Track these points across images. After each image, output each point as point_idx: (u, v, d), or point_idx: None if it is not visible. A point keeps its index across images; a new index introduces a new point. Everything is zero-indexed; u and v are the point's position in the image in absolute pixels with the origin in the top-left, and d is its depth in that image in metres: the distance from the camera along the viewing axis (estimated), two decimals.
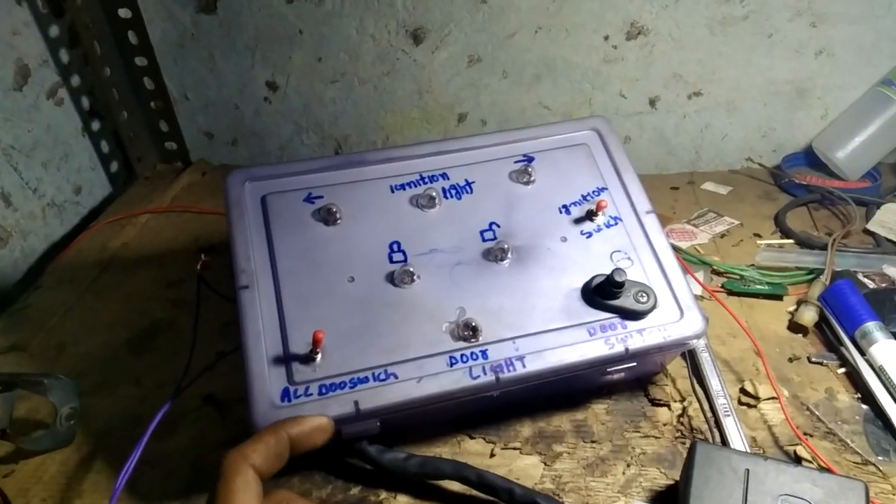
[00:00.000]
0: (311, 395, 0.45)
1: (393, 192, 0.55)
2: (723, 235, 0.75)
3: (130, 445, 0.48)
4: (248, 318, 0.48)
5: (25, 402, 0.56)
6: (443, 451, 0.52)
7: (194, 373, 0.54)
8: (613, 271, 0.49)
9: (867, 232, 0.75)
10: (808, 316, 0.61)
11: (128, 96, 0.89)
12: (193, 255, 0.75)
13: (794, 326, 0.62)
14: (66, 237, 0.85)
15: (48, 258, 0.79)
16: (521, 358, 0.48)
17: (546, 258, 0.53)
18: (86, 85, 0.87)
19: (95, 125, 0.91)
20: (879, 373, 0.55)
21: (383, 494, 0.49)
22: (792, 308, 0.64)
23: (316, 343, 0.46)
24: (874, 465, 0.50)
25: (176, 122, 0.93)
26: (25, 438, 0.52)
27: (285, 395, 0.45)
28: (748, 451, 0.50)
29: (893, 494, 0.48)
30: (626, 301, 0.50)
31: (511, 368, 0.48)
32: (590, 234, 0.54)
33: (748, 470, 0.43)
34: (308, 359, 0.46)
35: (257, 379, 0.46)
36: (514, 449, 0.52)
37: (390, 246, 0.52)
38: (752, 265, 0.69)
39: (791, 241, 0.73)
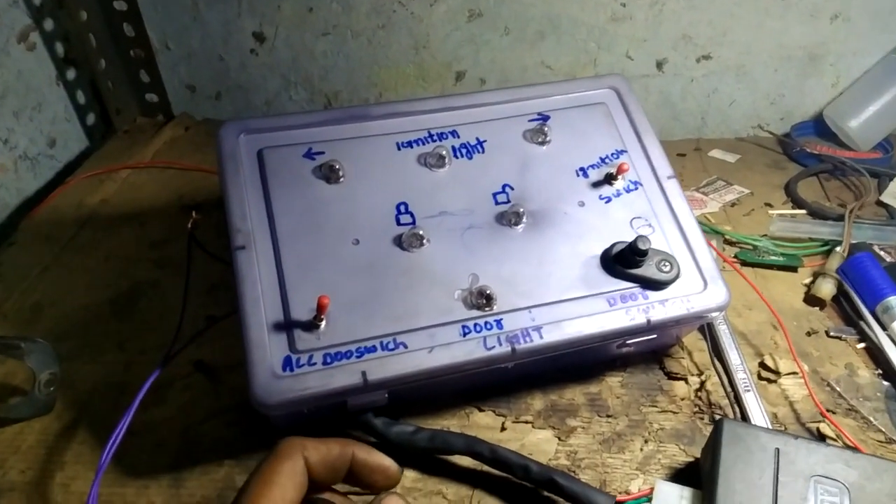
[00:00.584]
0: (316, 364, 0.42)
1: (399, 149, 0.51)
2: (733, 204, 0.73)
3: (115, 414, 0.45)
4: (245, 282, 0.44)
5: (1, 368, 0.52)
6: (451, 423, 0.49)
7: (185, 338, 0.50)
8: (637, 238, 0.46)
9: (880, 204, 0.73)
10: (827, 289, 0.59)
11: (106, 43, 0.83)
12: (177, 213, 0.72)
13: (811, 299, 0.60)
14: (40, 192, 0.80)
15: (21, 214, 0.74)
16: (537, 328, 0.45)
17: (563, 223, 0.50)
18: (60, 29, 0.82)
19: (71, 74, 0.85)
20: None
21: None
22: (807, 280, 0.62)
23: (321, 309, 0.42)
24: None
25: (157, 72, 0.88)
26: (1, 406, 0.49)
27: (287, 364, 0.42)
28: (770, 427, 0.48)
29: None
30: (648, 270, 0.47)
31: (528, 339, 0.45)
32: (609, 199, 0.51)
33: (778, 449, 0.41)
34: (311, 326, 0.43)
35: (257, 347, 0.42)
36: (526, 423, 0.49)
37: (397, 207, 0.49)
38: (766, 235, 0.66)
39: (803, 211, 0.71)
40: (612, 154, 0.53)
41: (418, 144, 0.52)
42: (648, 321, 0.46)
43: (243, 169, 0.48)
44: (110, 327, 0.58)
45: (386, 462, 0.38)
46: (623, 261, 0.47)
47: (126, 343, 0.57)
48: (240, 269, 0.44)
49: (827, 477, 0.40)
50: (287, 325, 0.43)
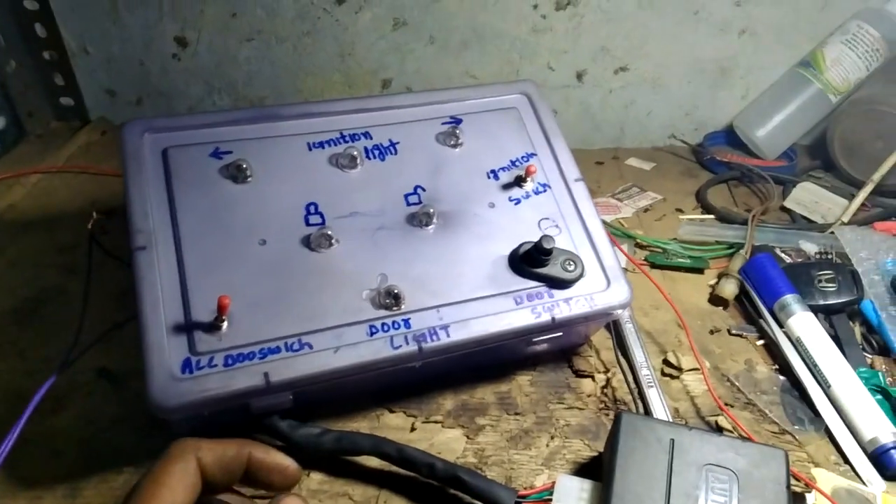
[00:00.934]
0: (216, 366, 0.41)
1: (311, 149, 0.51)
2: (646, 210, 0.75)
3: (11, 424, 0.44)
4: (144, 283, 0.43)
5: None
6: (361, 425, 0.49)
7: (85, 344, 0.49)
8: (542, 238, 0.47)
9: (783, 209, 0.76)
10: (729, 289, 0.61)
11: (16, 43, 0.81)
12: (87, 220, 0.69)
13: (715, 299, 0.62)
14: None
15: None
16: (445, 327, 0.46)
17: (473, 224, 0.50)
18: None
19: None
20: (797, 344, 0.55)
21: None
22: (713, 281, 0.64)
23: (221, 309, 0.42)
24: (791, 434, 0.50)
25: (73, 75, 0.85)
26: None
27: (186, 366, 0.41)
28: (670, 420, 0.49)
29: (809, 462, 0.48)
30: (553, 269, 0.48)
31: (435, 338, 0.45)
32: (518, 201, 0.52)
33: (673, 440, 0.42)
34: (213, 327, 0.42)
35: (155, 349, 0.41)
36: (436, 422, 0.50)
37: (307, 207, 0.49)
38: (675, 239, 0.69)
39: (712, 216, 0.74)
40: (523, 157, 0.54)
41: (330, 145, 0.52)
42: (553, 319, 0.47)
43: (146, 168, 0.47)
44: (11, 335, 0.56)
45: (285, 461, 0.37)
46: (529, 260, 0.48)
47: (27, 351, 0.55)
48: (139, 271, 0.43)
49: (718, 465, 0.41)
50: (187, 327, 0.42)
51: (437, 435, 0.49)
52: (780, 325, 0.57)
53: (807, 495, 0.44)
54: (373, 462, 0.46)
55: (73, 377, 0.51)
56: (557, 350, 0.55)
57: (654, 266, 0.65)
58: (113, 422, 0.49)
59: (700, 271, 0.66)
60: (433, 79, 0.89)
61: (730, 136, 0.89)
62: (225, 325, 0.42)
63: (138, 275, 0.43)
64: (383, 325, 0.45)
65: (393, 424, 0.49)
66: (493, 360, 0.53)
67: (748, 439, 0.46)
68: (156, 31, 0.86)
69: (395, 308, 0.46)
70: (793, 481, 0.41)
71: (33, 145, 0.83)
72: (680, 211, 0.75)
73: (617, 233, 0.68)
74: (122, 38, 0.86)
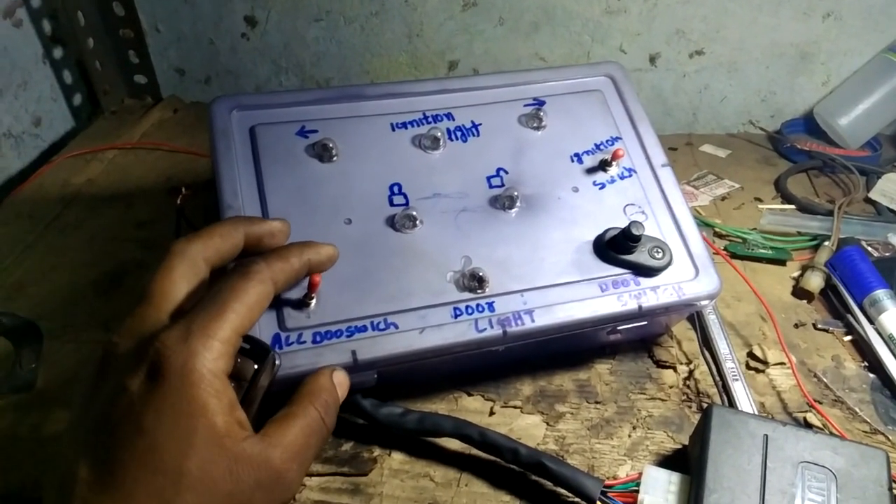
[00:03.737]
0: (305, 342, 0.41)
1: (394, 130, 0.51)
2: (723, 198, 0.73)
3: None
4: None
5: None
6: (439, 407, 0.49)
7: None
8: (631, 224, 0.46)
9: (868, 201, 0.73)
10: (815, 282, 0.59)
11: (95, 22, 0.82)
12: (164, 195, 0.71)
13: (799, 292, 0.60)
14: (23, 171, 0.78)
15: (4, 193, 0.73)
16: (529, 312, 0.45)
17: (556, 208, 0.49)
18: (47, 7, 0.80)
19: (58, 52, 0.83)
20: (888, 341, 0.53)
21: (377, 451, 0.46)
22: (795, 274, 0.62)
23: (312, 287, 0.42)
24: (883, 434, 0.48)
25: (147, 53, 0.87)
26: None
27: (276, 341, 0.41)
28: (764, 416, 0.48)
29: None
30: (640, 256, 0.47)
31: (519, 322, 0.44)
32: (603, 186, 0.51)
33: (766, 436, 0.41)
34: (302, 304, 0.42)
35: None
36: (515, 407, 0.49)
37: (391, 188, 0.48)
38: (755, 229, 0.67)
39: (793, 206, 0.71)
40: (607, 141, 0.53)
41: (413, 126, 0.51)
42: (640, 307, 0.46)
43: (235, 145, 0.47)
44: (93, 306, 0.58)
45: (331, 251, 0.41)
46: (616, 247, 0.47)
47: (110, 323, 0.56)
48: None
49: (814, 463, 0.40)
50: (277, 304, 0.42)
51: (517, 420, 0.48)
52: (871, 321, 0.55)
53: None
54: (454, 444, 0.45)
55: None
56: (636, 339, 0.54)
57: (734, 256, 0.64)
58: None
59: (782, 263, 0.63)
60: (501, 61, 0.88)
61: (808, 124, 0.85)
62: (314, 302, 0.42)
63: None
64: (467, 307, 0.45)
65: (471, 408, 0.49)
66: (572, 347, 0.52)
67: (843, 437, 0.44)
68: (225, 9, 0.87)
69: (479, 291, 0.45)
70: (893, 484, 0.40)
71: (108, 121, 0.85)
72: (759, 200, 0.73)
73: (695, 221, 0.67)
74: (192, 17, 0.87)
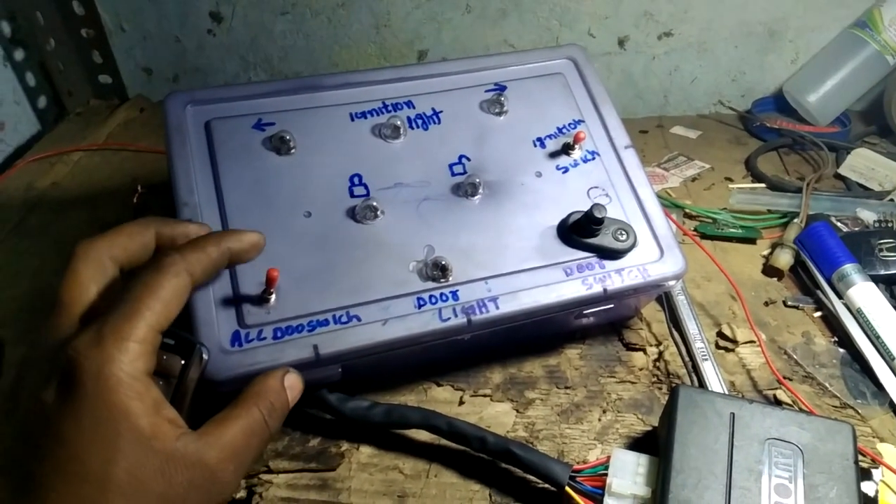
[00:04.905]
0: (265, 339, 0.41)
1: (353, 120, 0.50)
2: (694, 179, 0.73)
3: None
4: None
5: None
6: (409, 399, 0.48)
7: None
8: (593, 207, 0.46)
9: (838, 177, 0.73)
10: (784, 259, 0.59)
11: (55, 22, 0.81)
12: (130, 196, 0.69)
13: (769, 270, 0.60)
14: None
15: None
16: (494, 299, 0.44)
17: (520, 194, 0.49)
18: (5, 8, 0.79)
19: (19, 54, 0.82)
20: (857, 315, 0.53)
21: (345, 445, 0.45)
22: (766, 252, 0.62)
23: (270, 282, 0.41)
24: (853, 408, 0.48)
25: (110, 52, 0.86)
26: None
27: (236, 339, 0.41)
28: (730, 394, 0.48)
29: (874, 437, 0.46)
30: (604, 239, 0.47)
31: (484, 310, 0.44)
32: (566, 170, 0.51)
33: (733, 414, 0.41)
34: (261, 300, 0.42)
35: (203, 323, 0.41)
36: (485, 396, 0.49)
37: (351, 179, 0.48)
38: (725, 208, 0.66)
39: (763, 185, 0.71)
40: (570, 124, 0.53)
41: (372, 115, 0.51)
42: (605, 290, 0.46)
43: (190, 141, 0.47)
44: None
45: (254, 238, 0.40)
46: (579, 230, 0.47)
47: None
48: None
49: (781, 440, 0.40)
50: (236, 300, 0.42)
51: (486, 408, 0.48)
52: (840, 296, 0.55)
53: (873, 471, 0.42)
54: (423, 436, 0.45)
55: None
56: (606, 323, 0.54)
57: (704, 236, 0.63)
58: None
59: (752, 241, 0.63)
60: (470, 49, 0.87)
61: (779, 102, 0.85)
62: (273, 297, 0.42)
63: None
64: (431, 297, 0.44)
65: (441, 398, 0.49)
66: (541, 333, 0.52)
67: (811, 413, 0.44)
68: (190, 6, 0.85)
69: (442, 280, 0.45)
70: (859, 457, 0.40)
71: (74, 123, 0.83)
72: (729, 180, 0.73)
73: (665, 203, 0.66)
74: (157, 15, 0.86)
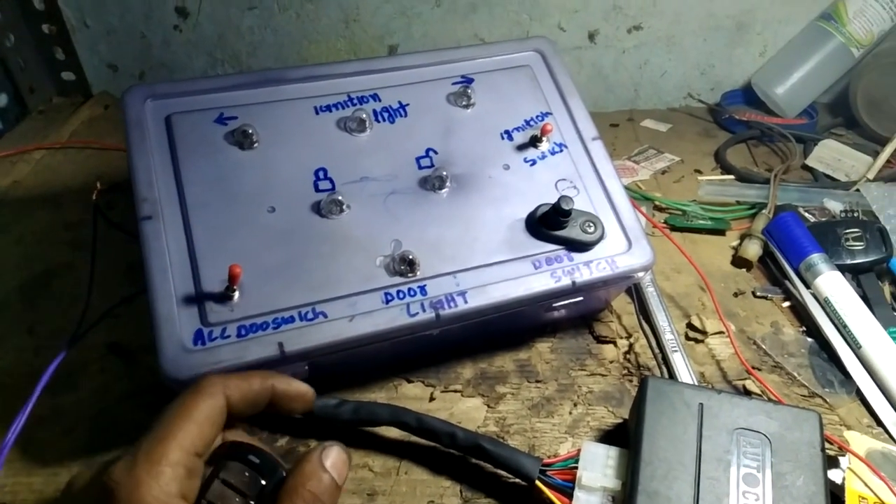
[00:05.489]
0: (229, 336, 0.40)
1: (318, 113, 0.49)
2: (664, 172, 0.73)
3: (23, 402, 0.43)
4: (152, 253, 0.42)
5: None
6: (379, 396, 0.48)
7: (93, 318, 0.48)
8: (560, 199, 0.45)
9: (805, 168, 0.74)
10: (753, 249, 0.59)
11: (14, 17, 0.79)
12: (95, 194, 0.68)
13: (738, 261, 0.60)
14: None
15: None
16: (462, 293, 0.44)
17: (488, 187, 0.49)
18: None
19: None
20: (824, 304, 0.54)
21: (313, 444, 0.44)
22: (735, 243, 0.62)
23: (233, 279, 0.40)
24: (821, 396, 0.49)
25: (73, 48, 0.84)
26: None
27: (198, 337, 0.40)
28: (699, 385, 0.48)
29: (841, 425, 0.47)
30: (572, 231, 0.47)
31: (452, 304, 0.44)
32: (533, 162, 0.50)
33: (702, 404, 0.41)
34: (224, 297, 0.41)
35: (165, 321, 0.40)
36: (455, 391, 0.48)
37: (316, 173, 0.47)
38: (694, 200, 0.67)
39: (732, 176, 0.72)
40: (537, 116, 0.52)
41: (338, 108, 0.50)
42: (574, 283, 0.46)
43: (150, 135, 0.46)
44: (19, 313, 0.55)
45: (303, 388, 0.40)
46: (547, 223, 0.47)
47: (36, 327, 0.54)
48: (146, 240, 0.42)
49: (749, 429, 0.40)
50: (198, 298, 0.41)
51: (457, 404, 0.48)
52: (807, 286, 0.55)
53: (840, 459, 0.42)
54: (392, 433, 0.44)
55: (83, 353, 0.50)
56: (577, 316, 0.54)
57: (673, 228, 0.64)
58: (124, 397, 0.48)
59: (721, 233, 0.64)
60: (441, 43, 0.86)
61: (748, 95, 0.86)
62: (237, 295, 0.41)
63: (146, 245, 0.42)
64: (398, 292, 0.44)
65: (411, 394, 0.48)
66: (512, 327, 0.51)
67: (779, 402, 0.45)
68: (156, 1, 0.84)
69: (410, 275, 0.44)
70: (826, 445, 0.40)
71: (36, 121, 0.82)
72: (699, 172, 0.73)
73: (635, 195, 0.67)
74: (121, 10, 0.84)
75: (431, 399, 0.48)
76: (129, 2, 0.84)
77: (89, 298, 0.47)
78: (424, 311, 0.43)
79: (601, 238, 0.47)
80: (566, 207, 0.45)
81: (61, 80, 0.86)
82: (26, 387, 0.47)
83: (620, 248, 0.48)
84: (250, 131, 0.46)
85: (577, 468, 0.40)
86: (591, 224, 0.47)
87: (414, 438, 0.44)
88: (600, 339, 0.52)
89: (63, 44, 0.83)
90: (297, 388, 0.39)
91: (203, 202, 0.44)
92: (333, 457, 0.34)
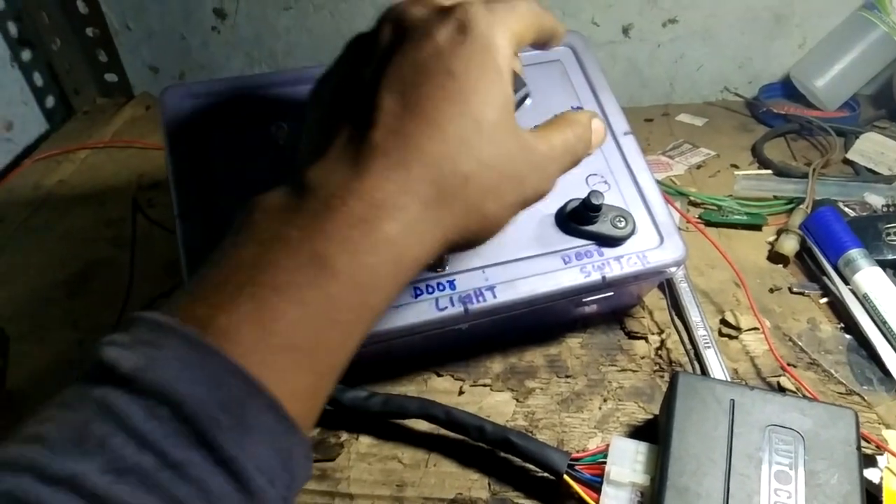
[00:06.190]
0: None
1: None
2: (699, 167, 0.72)
3: None
4: (188, 249, 0.43)
5: None
6: (409, 389, 0.48)
7: (134, 310, 0.49)
8: (590, 194, 0.45)
9: (846, 162, 0.72)
10: (790, 245, 0.58)
11: (60, 22, 0.81)
12: (136, 191, 0.70)
13: (775, 256, 0.59)
14: None
15: None
16: (491, 288, 0.44)
17: None
18: (11, 9, 0.79)
19: (26, 55, 0.83)
20: (864, 301, 0.52)
21: (344, 436, 0.45)
22: (771, 238, 0.61)
23: None
24: (859, 394, 0.48)
25: (115, 51, 0.86)
26: None
27: None
28: (731, 381, 0.47)
29: (879, 423, 0.46)
30: (602, 226, 0.46)
31: (481, 299, 0.44)
32: None
33: (733, 400, 0.41)
34: None
35: None
36: (485, 386, 0.49)
37: None
38: (730, 195, 0.66)
39: (769, 171, 0.70)
40: (568, 111, 0.52)
41: None
42: (604, 278, 0.45)
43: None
44: (63, 307, 0.57)
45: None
46: (577, 218, 0.47)
47: (80, 321, 0.56)
48: (182, 238, 0.43)
49: (781, 426, 0.39)
50: None
51: (486, 398, 0.48)
52: (846, 282, 0.54)
53: (878, 458, 0.41)
54: (422, 425, 0.45)
55: None
56: (608, 311, 0.53)
57: (708, 224, 0.63)
58: None
59: (758, 228, 0.63)
60: None
61: (786, 88, 0.84)
62: None
63: (182, 242, 0.43)
64: (427, 286, 0.44)
65: (441, 388, 0.49)
66: (542, 322, 0.51)
67: (813, 399, 0.44)
68: (194, 3, 0.86)
69: (438, 269, 0.44)
70: (863, 443, 0.39)
71: (80, 122, 0.84)
72: (735, 167, 0.72)
73: (669, 190, 0.66)
74: (161, 13, 0.87)
75: (461, 393, 0.48)
76: (169, 4, 0.86)
77: (129, 293, 0.49)
78: (453, 305, 0.43)
79: (632, 233, 0.47)
80: (596, 202, 0.45)
81: (104, 81, 0.89)
82: (69, 378, 0.49)
83: (652, 243, 0.47)
84: (285, 128, 0.47)
85: (605, 463, 0.40)
86: (622, 219, 0.47)
87: (443, 431, 0.44)
88: (631, 335, 0.52)
89: (106, 46, 0.86)
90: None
91: (237, 199, 0.45)
92: (597, 123, 0.38)
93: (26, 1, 0.77)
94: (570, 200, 0.47)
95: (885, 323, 0.50)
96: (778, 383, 0.48)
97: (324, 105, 0.33)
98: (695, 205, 0.65)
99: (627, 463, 0.40)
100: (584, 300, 0.48)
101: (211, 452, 0.23)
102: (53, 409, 0.23)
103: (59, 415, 0.23)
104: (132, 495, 0.21)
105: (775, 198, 0.65)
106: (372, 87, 0.31)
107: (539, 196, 0.35)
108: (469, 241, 0.32)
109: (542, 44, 0.39)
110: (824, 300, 0.55)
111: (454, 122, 0.30)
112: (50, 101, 0.87)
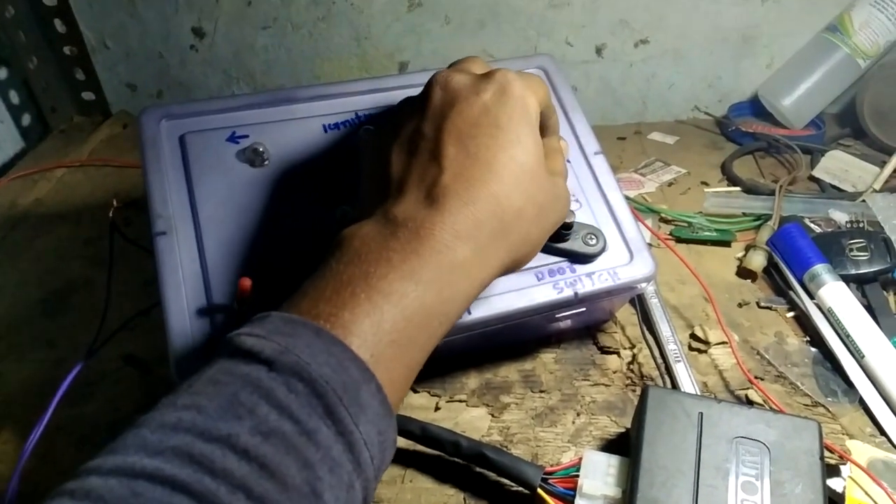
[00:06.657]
0: None
1: (326, 131, 0.51)
2: (670, 184, 0.74)
3: (42, 412, 0.44)
4: (166, 268, 0.43)
5: None
6: None
7: (110, 331, 0.49)
8: None
9: (812, 179, 0.74)
10: (757, 260, 0.60)
11: (37, 40, 0.81)
12: (113, 210, 0.70)
13: (743, 272, 0.61)
14: None
15: None
16: None
17: None
18: None
19: (2, 73, 0.83)
20: (828, 315, 0.54)
21: None
22: (740, 254, 0.63)
23: (242, 293, 0.41)
24: (824, 406, 0.49)
25: (93, 69, 0.86)
26: None
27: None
28: (699, 394, 0.49)
29: (843, 434, 0.47)
30: (574, 244, 0.48)
31: None
32: None
33: (701, 413, 0.42)
34: (228, 310, 0.42)
35: (178, 334, 0.41)
36: (460, 401, 0.49)
37: (324, 189, 0.48)
38: (700, 212, 0.67)
39: (738, 188, 0.72)
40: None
41: (346, 126, 0.51)
42: (576, 294, 0.46)
43: (164, 154, 0.47)
44: (40, 326, 0.57)
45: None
46: (550, 235, 0.48)
47: (56, 341, 0.56)
48: (160, 255, 0.44)
49: (748, 438, 0.41)
50: (210, 311, 0.42)
51: (462, 414, 0.49)
52: (811, 296, 0.56)
53: (841, 467, 0.42)
54: (398, 442, 0.45)
55: (100, 365, 0.52)
56: (582, 327, 0.54)
57: (679, 240, 0.64)
58: (139, 407, 0.48)
59: (727, 244, 0.64)
60: (450, 59, 0.86)
61: (755, 107, 0.86)
62: (246, 307, 0.42)
63: (160, 260, 0.43)
64: None
65: (417, 404, 0.49)
66: (517, 338, 0.52)
67: (779, 411, 0.45)
68: (173, 22, 0.86)
69: None
70: (827, 453, 0.40)
71: (57, 140, 0.84)
72: (705, 184, 0.74)
73: (641, 208, 0.67)
74: (140, 32, 0.87)
75: (437, 409, 0.49)
76: (147, 23, 0.86)
77: (106, 312, 0.49)
78: None
79: (603, 250, 0.48)
80: (568, 220, 0.46)
81: (82, 99, 0.89)
82: (46, 398, 0.49)
83: (622, 259, 0.48)
84: (261, 149, 0.48)
85: (578, 476, 0.41)
86: (593, 236, 0.48)
87: (419, 447, 0.45)
88: (604, 350, 0.53)
89: (84, 65, 0.86)
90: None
91: (215, 218, 0.45)
92: (564, 144, 0.45)
93: (3, 19, 0.77)
94: None
95: (848, 336, 0.52)
96: (746, 396, 0.49)
97: (386, 155, 0.38)
98: (666, 221, 0.67)
99: (600, 476, 0.41)
100: (557, 316, 0.49)
101: (335, 423, 0.27)
102: (200, 385, 0.28)
103: (209, 389, 0.28)
104: (275, 454, 0.26)
105: (744, 214, 0.67)
106: (436, 139, 0.36)
107: (562, 218, 0.42)
108: (518, 263, 0.39)
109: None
110: (791, 314, 0.57)
111: (507, 167, 0.36)
112: (26, 119, 0.87)
